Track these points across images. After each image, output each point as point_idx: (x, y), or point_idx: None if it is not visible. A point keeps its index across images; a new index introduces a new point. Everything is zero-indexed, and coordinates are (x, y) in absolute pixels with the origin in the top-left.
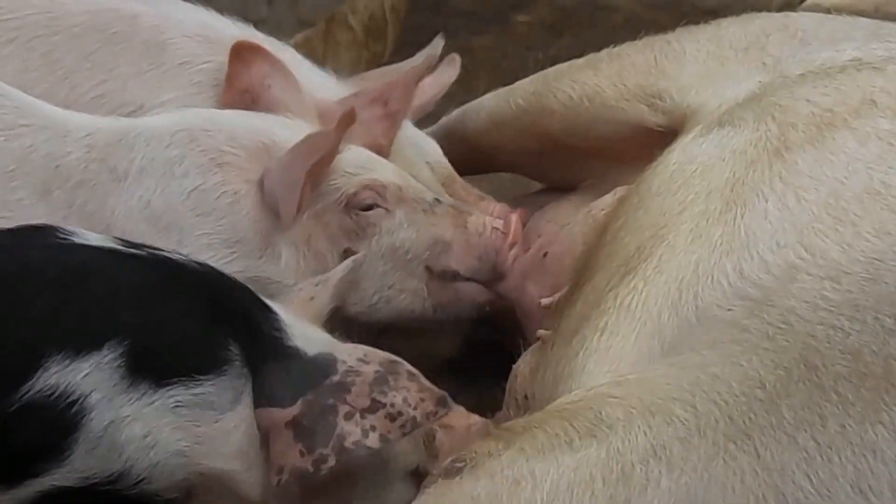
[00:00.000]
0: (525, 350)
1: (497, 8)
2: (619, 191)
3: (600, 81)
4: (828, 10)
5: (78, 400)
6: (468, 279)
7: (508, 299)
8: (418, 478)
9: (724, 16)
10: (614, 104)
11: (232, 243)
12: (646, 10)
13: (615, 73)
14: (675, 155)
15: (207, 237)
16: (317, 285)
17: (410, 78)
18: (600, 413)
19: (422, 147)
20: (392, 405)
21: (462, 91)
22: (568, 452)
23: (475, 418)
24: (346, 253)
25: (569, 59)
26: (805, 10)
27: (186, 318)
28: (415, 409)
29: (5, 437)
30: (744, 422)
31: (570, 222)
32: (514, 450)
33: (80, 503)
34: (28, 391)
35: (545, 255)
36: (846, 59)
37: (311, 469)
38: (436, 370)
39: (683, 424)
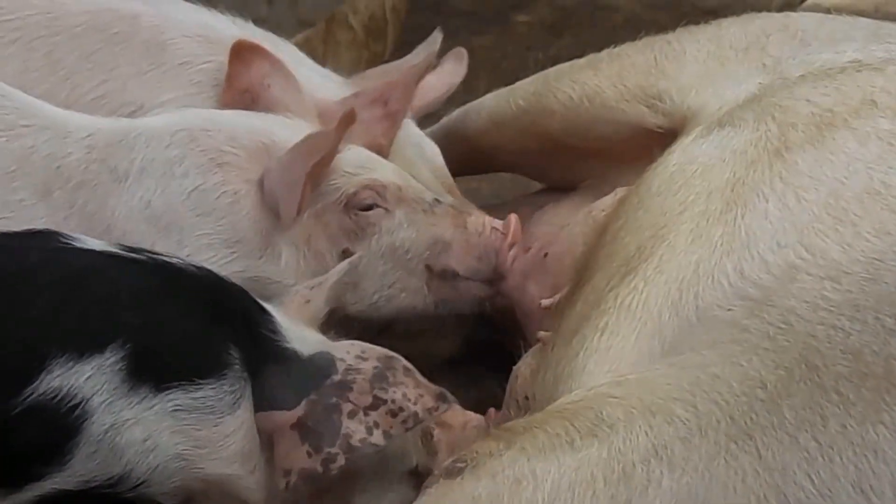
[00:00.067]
0: (525, 351)
1: (497, 8)
2: (620, 191)
3: (600, 82)
4: (828, 10)
5: (80, 403)
6: (468, 279)
7: (509, 299)
8: (417, 477)
9: (725, 16)
10: (614, 105)
11: (232, 243)
12: (646, 10)
13: (615, 73)
14: (676, 156)
15: (207, 237)
16: (312, 288)
17: (410, 78)
18: (601, 413)
19: (423, 149)
20: (393, 401)
21: (462, 91)
22: (569, 452)
23: (472, 416)
24: (346, 253)
25: (569, 59)
26: (805, 10)
27: (186, 322)
28: (415, 404)
29: (7, 439)
30: (745, 422)
31: (570, 223)
32: (515, 450)
33: None
34: (32, 393)
35: (545, 255)
36: (846, 60)
37: (320, 469)
38: (436, 370)
39: (684, 424)
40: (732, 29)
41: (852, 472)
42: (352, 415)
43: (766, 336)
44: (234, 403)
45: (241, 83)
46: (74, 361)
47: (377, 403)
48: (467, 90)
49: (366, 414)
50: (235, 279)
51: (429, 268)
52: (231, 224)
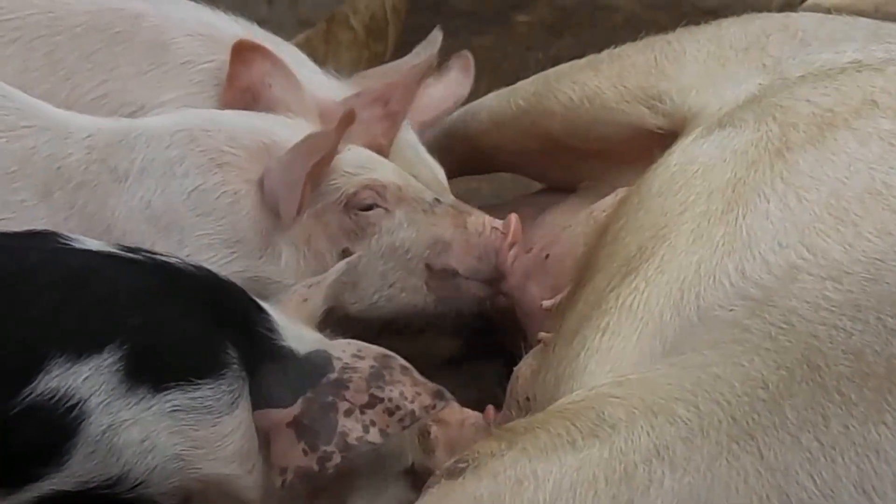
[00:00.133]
0: (526, 351)
1: (497, 8)
2: (620, 192)
3: (601, 83)
4: (828, 11)
5: (77, 404)
6: (468, 278)
7: (510, 299)
8: (413, 475)
9: (725, 16)
10: (615, 105)
11: (232, 243)
12: (646, 10)
13: (616, 74)
14: (676, 156)
15: (208, 237)
16: (310, 287)
17: (411, 78)
18: (603, 413)
19: (423, 155)
20: (390, 400)
21: None
22: (570, 452)
23: (470, 413)
24: (346, 253)
25: (569, 59)
26: (805, 10)
27: (185, 322)
28: (412, 402)
29: (5, 440)
30: (747, 422)
31: (571, 224)
32: (516, 450)
33: None
34: (30, 394)
35: (546, 256)
36: (846, 60)
37: (316, 467)
38: (436, 370)
39: (686, 424)
40: (732, 29)
41: (854, 472)
42: (348, 413)
43: (768, 336)
44: (233, 403)
45: (242, 82)
46: (72, 362)
47: (374, 402)
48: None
49: (362, 412)
50: (235, 279)
51: (429, 267)
52: (231, 224)
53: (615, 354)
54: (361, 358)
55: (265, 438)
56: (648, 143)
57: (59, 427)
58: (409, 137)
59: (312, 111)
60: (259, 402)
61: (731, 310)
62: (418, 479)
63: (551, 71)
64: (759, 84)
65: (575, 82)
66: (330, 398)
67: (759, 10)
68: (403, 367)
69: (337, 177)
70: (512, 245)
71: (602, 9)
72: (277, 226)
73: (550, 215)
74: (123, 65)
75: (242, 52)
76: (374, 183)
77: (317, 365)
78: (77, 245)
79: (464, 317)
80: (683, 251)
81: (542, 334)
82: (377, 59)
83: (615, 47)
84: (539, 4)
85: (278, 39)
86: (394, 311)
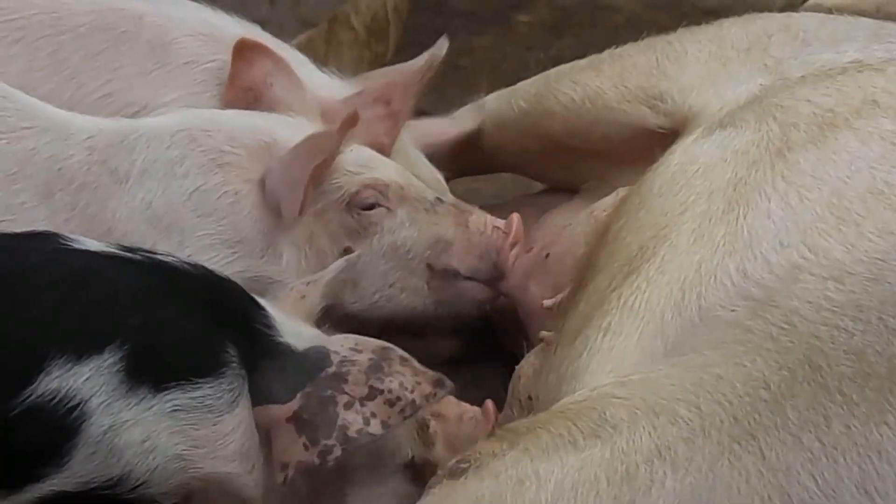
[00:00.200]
0: (528, 351)
1: (497, 8)
2: (621, 191)
3: (602, 83)
4: (829, 11)
5: (78, 405)
6: (469, 278)
7: (511, 299)
8: (413, 469)
9: (726, 16)
10: (616, 106)
11: (233, 243)
12: (647, 11)
13: (617, 74)
14: (677, 156)
15: (209, 237)
16: (308, 284)
17: (412, 78)
18: (604, 413)
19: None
20: (390, 391)
21: (462, 91)
22: (572, 453)
23: (468, 408)
24: (347, 252)
25: (570, 59)
26: (807, 10)
27: (184, 321)
28: (412, 392)
29: (6, 440)
30: (748, 422)
31: (571, 223)
32: (518, 450)
33: None
34: (30, 395)
35: (547, 255)
36: (847, 60)
37: (317, 461)
38: (436, 370)
39: (688, 425)
40: (734, 29)
41: (856, 472)
42: (348, 406)
43: (770, 337)
44: (233, 402)
45: (244, 81)
46: (73, 363)
47: (373, 393)
48: (468, 90)
49: (362, 404)
50: (236, 279)
51: (430, 267)
52: (232, 224)
53: (617, 354)
54: (359, 351)
55: (265, 435)
56: (650, 143)
57: (60, 428)
58: (408, 138)
59: (314, 110)
60: (258, 398)
61: (732, 310)
62: (417, 472)
63: (552, 71)
64: (761, 84)
65: (576, 83)
66: (329, 392)
67: (761, 10)
68: (402, 358)
69: (339, 176)
70: (513, 245)
71: (602, 9)
72: (279, 225)
73: (552, 216)
74: (128, 64)
75: (244, 50)
76: (376, 182)
77: (315, 360)
78: (77, 246)
79: (464, 317)
80: (684, 251)
81: (544, 333)
82: (378, 60)
83: (616, 48)
84: (539, 4)
85: (278, 41)
86: (394, 311)
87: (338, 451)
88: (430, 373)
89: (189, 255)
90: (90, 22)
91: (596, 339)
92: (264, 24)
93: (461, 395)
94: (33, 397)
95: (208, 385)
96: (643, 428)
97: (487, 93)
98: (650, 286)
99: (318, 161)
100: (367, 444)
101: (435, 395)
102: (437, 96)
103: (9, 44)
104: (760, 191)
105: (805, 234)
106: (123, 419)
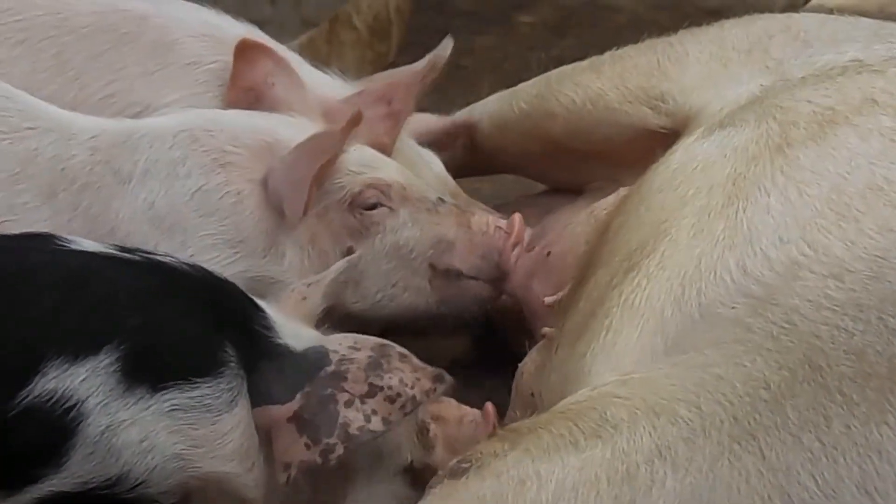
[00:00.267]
0: (530, 349)
1: (499, 8)
2: (622, 190)
3: (603, 84)
4: (831, 11)
5: (75, 405)
6: (471, 278)
7: (514, 298)
8: (412, 472)
9: (727, 16)
10: (617, 107)
11: (235, 243)
12: (648, 11)
13: (618, 75)
14: (678, 155)
15: (211, 238)
16: (309, 285)
17: (413, 78)
18: (605, 413)
19: (423, 156)
20: (389, 387)
21: (464, 91)
22: (573, 453)
23: (468, 410)
24: (350, 252)
25: (572, 59)
26: (809, 10)
27: (183, 322)
28: (412, 388)
29: (4, 441)
30: (748, 422)
31: (573, 222)
32: (519, 450)
33: None
34: (27, 396)
35: (549, 254)
36: (847, 59)
37: (319, 460)
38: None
39: (688, 425)
40: (735, 30)
41: (856, 472)
42: (348, 404)
43: (770, 336)
44: (232, 401)
45: (245, 81)
46: (69, 364)
47: (373, 391)
48: (470, 91)
49: (363, 402)
50: (239, 279)
51: (432, 266)
52: (234, 224)
53: (618, 352)
54: (358, 349)
55: (266, 436)
56: (651, 144)
57: (58, 428)
58: (409, 138)
59: (315, 110)
60: (258, 400)
61: (732, 307)
62: (417, 476)
63: (552, 73)
64: (761, 85)
65: (577, 84)
66: (329, 390)
67: (762, 11)
68: (401, 355)
69: (341, 176)
70: (515, 244)
71: (604, 9)
72: (281, 225)
73: (554, 217)
74: (130, 65)
75: (245, 50)
76: (378, 182)
77: (314, 360)
78: (75, 246)
79: (466, 318)
80: (684, 245)
81: (546, 329)
82: (380, 60)
83: (617, 48)
84: (541, 5)
85: (278, 43)
86: (396, 310)
87: (340, 450)
88: (430, 368)
89: (191, 255)
90: (93, 23)
91: (597, 337)
92: (266, 25)
93: (462, 397)
94: (30, 398)
95: (206, 385)
96: (644, 428)
97: (489, 93)
98: (650, 282)
99: (321, 161)
100: (369, 441)
101: (435, 390)
102: (439, 96)
103: (13, 45)
104: (760, 185)
105: (804, 230)
106: (121, 419)
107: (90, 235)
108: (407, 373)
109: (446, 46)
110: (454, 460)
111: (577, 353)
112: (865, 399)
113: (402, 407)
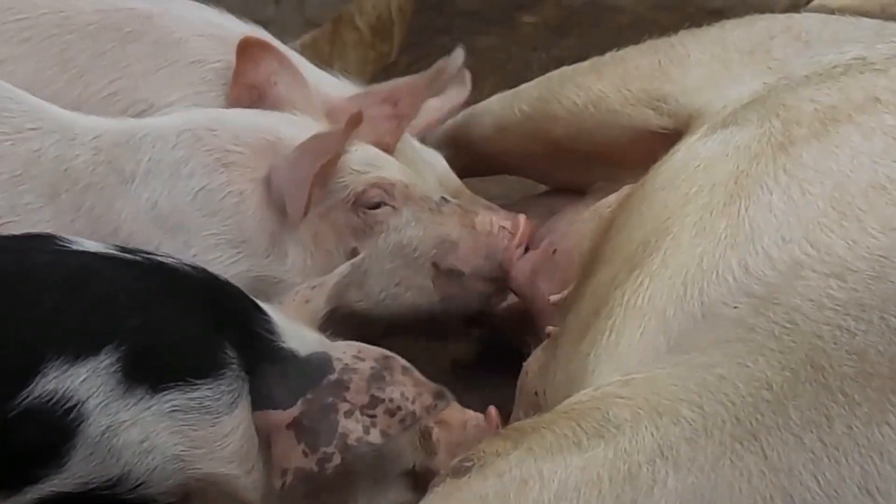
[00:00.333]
0: (535, 348)
1: (502, 8)
2: (626, 189)
3: (605, 87)
4: (832, 11)
5: (75, 406)
6: (475, 277)
7: (519, 297)
8: (414, 477)
9: (730, 17)
10: (619, 109)
11: (238, 243)
12: (650, 11)
13: (619, 77)
14: (680, 154)
15: (214, 237)
16: (313, 288)
17: (420, 82)
18: (608, 413)
19: (426, 157)
20: (391, 400)
21: None
22: (576, 452)
23: (472, 414)
24: (353, 252)
25: (574, 59)
26: (810, 10)
27: (184, 322)
28: (413, 402)
29: (4, 442)
30: (750, 422)
31: (577, 220)
32: (522, 450)
33: None
34: (27, 396)
35: (554, 251)
36: (849, 59)
37: (315, 468)
38: (440, 371)
39: (690, 425)
40: (737, 31)
41: (858, 473)
42: (348, 414)
43: (772, 336)
44: (232, 403)
45: (248, 79)
46: (69, 364)
47: (374, 403)
48: (472, 90)
49: (363, 413)
50: (242, 279)
51: (435, 266)
52: (237, 224)
53: (620, 352)
54: (362, 359)
55: (266, 440)
56: (653, 145)
57: (58, 429)
58: (411, 139)
59: (319, 109)
60: (259, 403)
61: (735, 307)
62: (419, 480)
63: (553, 74)
64: (764, 85)
65: (579, 87)
66: (330, 399)
67: (764, 11)
68: (404, 368)
69: (345, 175)
70: (519, 245)
71: (607, 10)
72: (284, 224)
73: (559, 217)
74: (135, 63)
75: (249, 48)
76: (381, 181)
77: (317, 366)
78: (76, 247)
79: (470, 316)
80: (686, 244)
81: (550, 328)
82: (383, 60)
83: (619, 49)
84: (544, 5)
85: (281, 44)
86: (399, 310)
87: (337, 459)
88: (432, 384)
89: (194, 255)
90: (97, 21)
91: (601, 338)
92: (269, 25)
93: (467, 396)
94: (31, 398)
95: (207, 386)
96: (646, 428)
97: (491, 93)
98: (652, 281)
99: (323, 160)
100: (366, 453)
101: (435, 406)
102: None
103: (17, 43)
104: (762, 183)
105: (807, 228)
106: (121, 420)
107: (93, 236)
108: (409, 387)
109: (458, 56)
110: (456, 459)
111: (580, 353)
112: (867, 399)
113: (402, 421)
